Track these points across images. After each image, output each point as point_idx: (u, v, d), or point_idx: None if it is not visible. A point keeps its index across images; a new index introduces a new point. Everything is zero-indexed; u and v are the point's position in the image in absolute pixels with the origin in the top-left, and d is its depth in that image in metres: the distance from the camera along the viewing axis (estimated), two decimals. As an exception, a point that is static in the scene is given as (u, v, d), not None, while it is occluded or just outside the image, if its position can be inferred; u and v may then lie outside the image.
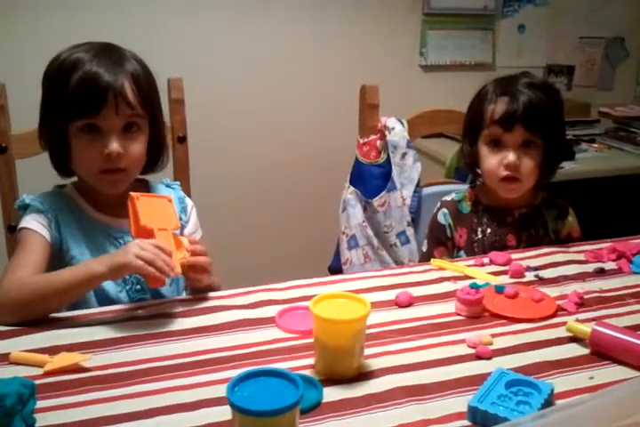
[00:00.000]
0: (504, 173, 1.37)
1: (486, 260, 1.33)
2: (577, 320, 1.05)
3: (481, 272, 1.27)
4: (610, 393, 0.71)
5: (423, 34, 2.53)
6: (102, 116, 1.11)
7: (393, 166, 1.70)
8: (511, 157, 1.35)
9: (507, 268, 1.28)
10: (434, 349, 0.99)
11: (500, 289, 1.15)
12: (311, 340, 0.94)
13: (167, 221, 1.12)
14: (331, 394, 0.86)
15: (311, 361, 0.93)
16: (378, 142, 1.70)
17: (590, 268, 1.29)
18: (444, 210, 1.49)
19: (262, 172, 2.44)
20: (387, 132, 1.69)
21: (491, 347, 0.98)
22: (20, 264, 1.10)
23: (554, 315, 1.09)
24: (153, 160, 1.25)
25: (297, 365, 0.93)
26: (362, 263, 1.72)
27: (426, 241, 1.53)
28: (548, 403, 0.83)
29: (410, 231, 1.72)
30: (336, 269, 1.75)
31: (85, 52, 1.13)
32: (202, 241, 1.24)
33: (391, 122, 1.70)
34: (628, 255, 1.32)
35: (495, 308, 1.10)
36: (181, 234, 1.28)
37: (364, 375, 0.91)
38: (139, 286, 1.18)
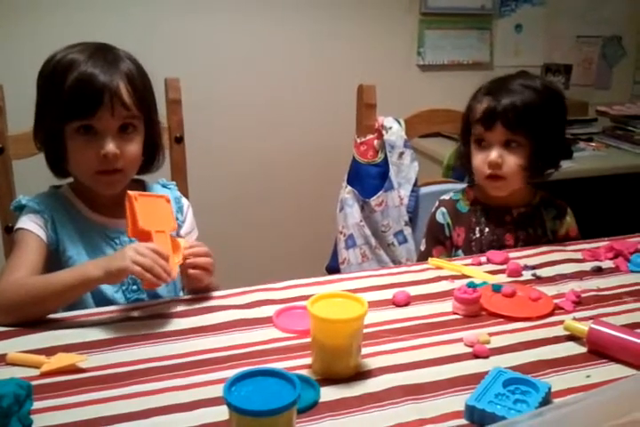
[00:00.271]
0: (488, 171, 1.38)
1: (484, 259, 1.33)
2: (574, 319, 1.05)
3: (478, 271, 1.27)
4: (606, 392, 0.71)
5: (421, 33, 2.53)
6: (98, 117, 1.11)
7: (390, 166, 1.70)
8: (492, 155, 1.37)
9: (504, 267, 1.28)
10: (431, 348, 0.99)
11: (497, 288, 1.15)
12: (308, 339, 0.94)
13: (165, 222, 1.11)
14: (328, 394, 0.86)
15: (308, 361, 0.93)
16: (375, 142, 1.70)
17: (588, 266, 1.29)
18: (443, 209, 1.49)
19: (260, 171, 2.44)
20: (384, 132, 1.69)
21: (488, 346, 0.98)
22: (16, 265, 1.09)
23: (551, 314, 1.09)
24: (149, 160, 1.25)
25: (294, 364, 0.93)
26: (359, 263, 1.72)
27: (424, 240, 1.53)
28: (546, 401, 0.83)
29: (407, 231, 1.72)
30: (333, 268, 1.75)
31: (80, 52, 1.13)
32: (198, 241, 1.24)
33: (388, 121, 1.70)
34: (626, 254, 1.32)
35: (492, 307, 1.10)
36: (177, 234, 1.27)
37: (361, 375, 0.91)
38: (135, 287, 1.18)
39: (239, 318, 1.06)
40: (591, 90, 2.83)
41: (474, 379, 0.88)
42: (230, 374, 0.78)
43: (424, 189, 1.74)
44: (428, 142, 2.28)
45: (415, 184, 1.73)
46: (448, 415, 0.82)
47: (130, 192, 1.09)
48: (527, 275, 1.25)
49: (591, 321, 1.00)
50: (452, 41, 2.59)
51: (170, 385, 0.88)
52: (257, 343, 0.99)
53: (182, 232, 1.29)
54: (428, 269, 1.28)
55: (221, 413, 0.77)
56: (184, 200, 1.35)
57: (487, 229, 1.45)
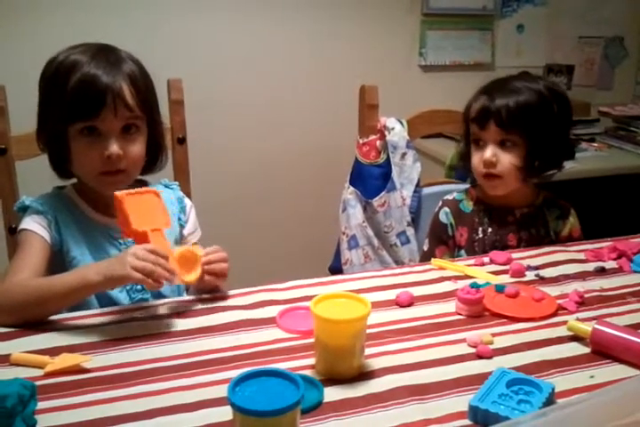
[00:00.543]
0: (483, 170, 1.39)
1: (487, 259, 1.33)
2: (577, 319, 1.05)
3: (481, 272, 1.27)
4: (610, 392, 0.71)
5: (422, 34, 2.54)
6: (101, 118, 1.11)
7: (393, 166, 1.70)
8: (486, 154, 1.38)
9: (507, 267, 1.28)
10: (434, 348, 0.99)
11: (500, 288, 1.15)
12: (312, 340, 0.94)
13: (158, 219, 1.08)
14: (331, 394, 0.86)
15: (312, 361, 0.93)
16: (377, 142, 1.71)
17: (591, 267, 1.29)
18: (446, 209, 1.49)
19: (262, 172, 2.44)
20: (386, 133, 1.69)
21: (491, 346, 0.98)
22: (20, 266, 1.10)
23: (554, 314, 1.09)
24: (152, 161, 1.25)
25: (298, 365, 0.93)
26: (362, 263, 1.72)
27: (427, 240, 1.53)
28: (550, 402, 0.83)
29: (410, 231, 1.72)
30: (336, 269, 1.75)
31: (82, 53, 1.13)
32: (201, 242, 1.24)
33: (391, 122, 1.70)
34: (629, 254, 1.32)
35: (496, 307, 1.10)
36: (180, 234, 1.28)
37: (364, 375, 0.91)
38: (139, 287, 1.18)
39: (243, 319, 1.06)
40: (593, 90, 2.83)
41: (477, 379, 0.88)
42: (234, 374, 0.78)
43: (426, 190, 1.74)
44: (431, 143, 2.28)
45: (418, 185, 1.73)
46: (452, 416, 0.82)
47: (117, 193, 1.06)
48: (530, 275, 1.25)
49: (595, 321, 1.00)
50: (453, 41, 2.59)
51: (174, 385, 0.88)
52: (260, 344, 0.99)
53: (185, 232, 1.29)
54: (430, 269, 1.28)
55: (226, 413, 0.77)
56: (187, 200, 1.35)
57: (490, 230, 1.45)
